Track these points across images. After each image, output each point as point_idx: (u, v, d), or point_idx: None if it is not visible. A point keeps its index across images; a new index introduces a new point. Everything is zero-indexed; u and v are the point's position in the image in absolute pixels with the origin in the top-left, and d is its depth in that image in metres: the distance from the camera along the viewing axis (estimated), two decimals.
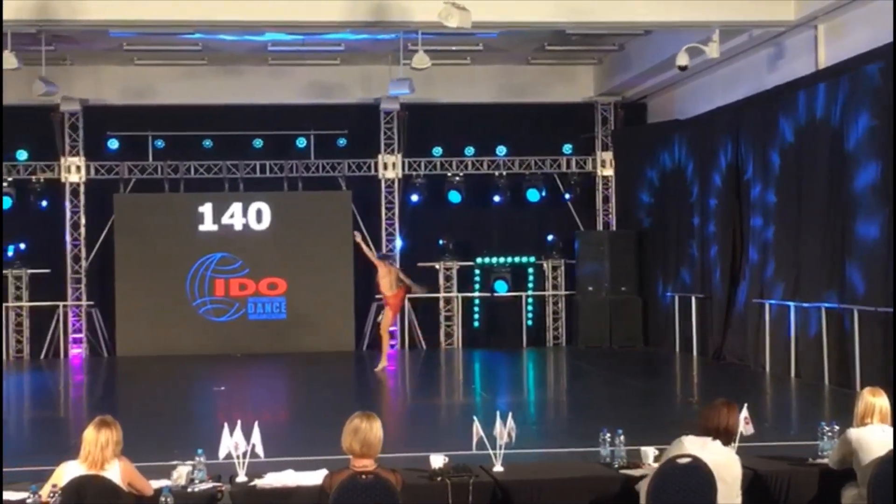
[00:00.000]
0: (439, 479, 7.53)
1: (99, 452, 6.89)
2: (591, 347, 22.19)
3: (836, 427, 8.10)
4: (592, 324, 22.47)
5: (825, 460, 7.90)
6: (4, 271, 22.04)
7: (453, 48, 20.04)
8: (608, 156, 23.58)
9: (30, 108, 21.28)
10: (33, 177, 22.27)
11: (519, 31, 18.60)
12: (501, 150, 23.18)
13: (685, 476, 6.99)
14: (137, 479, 7.13)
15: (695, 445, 7.13)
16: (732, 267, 19.09)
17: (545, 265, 23.33)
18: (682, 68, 16.93)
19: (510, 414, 8.03)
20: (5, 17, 14.68)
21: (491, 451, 7.90)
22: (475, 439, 7.91)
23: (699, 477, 6.96)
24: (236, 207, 22.37)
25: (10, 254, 22.08)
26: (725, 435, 7.21)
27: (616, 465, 7.92)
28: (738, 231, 18.99)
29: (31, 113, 21.61)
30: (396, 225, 22.92)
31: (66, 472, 6.94)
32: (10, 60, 15.99)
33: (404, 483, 6.92)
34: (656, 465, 7.38)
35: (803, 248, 16.68)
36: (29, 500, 6.73)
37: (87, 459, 6.92)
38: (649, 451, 7.93)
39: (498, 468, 7.86)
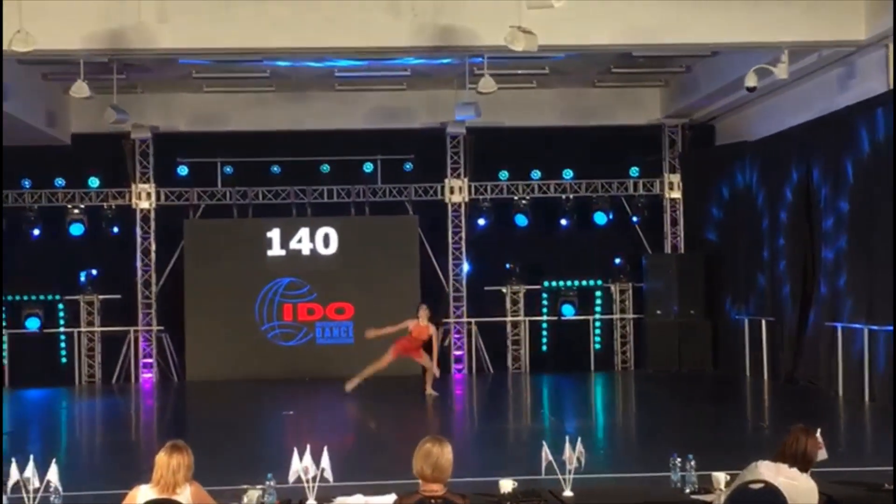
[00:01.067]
0: (508, 503, 7.49)
1: (171, 476, 6.94)
2: (659, 371, 22.03)
3: None
4: (661, 347, 22.31)
5: None
6: (77, 297, 22.37)
7: (519, 72, 20.05)
8: (676, 178, 23.44)
9: (102, 136, 21.60)
10: (105, 203, 22.60)
11: (585, 54, 18.56)
12: (568, 173, 23.13)
13: (758, 502, 6.89)
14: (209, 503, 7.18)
15: (770, 471, 7.02)
16: (804, 290, 18.87)
17: (613, 288, 23.21)
18: (751, 90, 16.77)
19: (579, 438, 7.98)
20: (78, 46, 14.93)
21: (560, 476, 7.85)
22: (544, 464, 7.87)
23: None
24: (304, 232, 22.52)
25: (82, 279, 22.41)
26: (803, 462, 7.08)
27: (687, 491, 7.83)
28: (809, 253, 18.77)
29: (103, 141, 21.93)
30: (463, 249, 22.94)
31: (140, 496, 7.00)
32: (82, 89, 16.23)
33: None
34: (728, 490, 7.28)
35: (876, 271, 16.42)
36: None
37: (159, 483, 6.97)
38: (720, 477, 7.81)
39: (567, 493, 7.80)
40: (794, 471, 7.02)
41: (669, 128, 23.38)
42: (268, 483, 7.60)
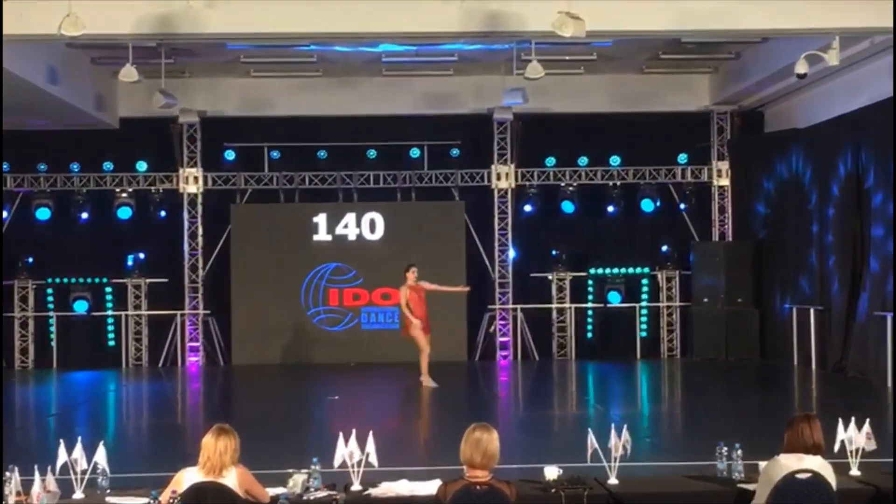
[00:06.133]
0: (553, 490, 7.47)
1: (218, 459, 6.98)
2: (706, 360, 21.90)
3: None
4: (708, 336, 22.18)
5: None
6: (125, 280, 22.53)
7: (567, 58, 19.94)
8: (724, 165, 23.27)
9: (149, 120, 21.72)
10: (152, 188, 22.74)
11: (633, 40, 18.43)
12: (615, 159, 23.01)
13: (806, 492, 6.86)
14: (254, 487, 7.21)
15: (790, 462, 7.04)
16: (853, 278, 18.69)
17: (659, 276, 23.09)
18: (801, 76, 16.52)
19: (625, 426, 7.94)
20: (127, 30, 14.97)
21: (606, 464, 7.82)
22: (590, 451, 7.85)
23: (822, 494, 6.82)
24: (350, 218, 22.57)
25: (130, 263, 22.56)
26: (815, 449, 7.09)
27: (734, 479, 7.78)
28: (858, 241, 18.58)
29: (151, 125, 22.06)
30: (509, 235, 22.89)
31: (186, 478, 7.04)
32: (131, 73, 16.28)
33: (518, 494, 6.88)
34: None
35: None
36: None
37: (205, 466, 7.01)
38: None
39: (613, 480, 7.78)
40: (818, 458, 7.02)
41: (718, 114, 23.20)
42: (313, 467, 7.63)
